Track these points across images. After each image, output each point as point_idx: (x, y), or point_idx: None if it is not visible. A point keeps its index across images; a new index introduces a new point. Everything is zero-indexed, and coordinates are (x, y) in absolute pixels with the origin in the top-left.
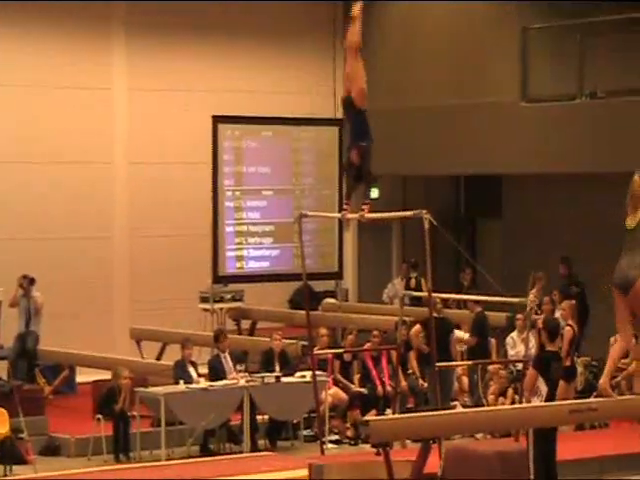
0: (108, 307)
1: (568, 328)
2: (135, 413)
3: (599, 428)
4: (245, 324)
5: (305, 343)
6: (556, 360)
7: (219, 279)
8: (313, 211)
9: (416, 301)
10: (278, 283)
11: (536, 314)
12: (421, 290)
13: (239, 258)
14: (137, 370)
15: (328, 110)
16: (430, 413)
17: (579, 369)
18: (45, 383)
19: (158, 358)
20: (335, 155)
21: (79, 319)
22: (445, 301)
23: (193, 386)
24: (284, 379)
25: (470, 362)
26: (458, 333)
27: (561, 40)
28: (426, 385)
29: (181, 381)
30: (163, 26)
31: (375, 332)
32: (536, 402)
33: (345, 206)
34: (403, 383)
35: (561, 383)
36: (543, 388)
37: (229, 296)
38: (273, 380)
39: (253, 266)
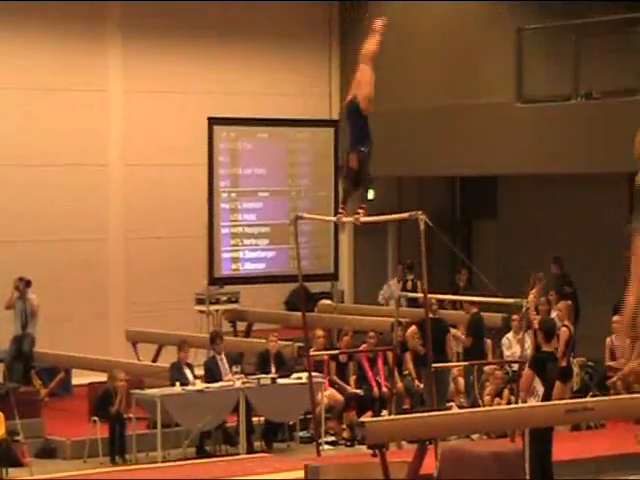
0: (104, 309)
1: (564, 329)
2: (131, 415)
3: (595, 428)
4: (241, 326)
5: (301, 344)
6: (552, 360)
7: (215, 281)
8: (309, 212)
9: (412, 302)
10: (274, 285)
11: (537, 313)
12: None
13: (235, 260)
14: (133, 372)
15: (324, 111)
16: (426, 414)
17: (575, 369)
18: (41, 385)
19: (154, 360)
20: (331, 156)
21: (75, 321)
22: (441, 302)
23: (189, 388)
24: (280, 380)
25: (466, 363)
26: (453, 331)
27: (556, 41)
28: (422, 386)
29: (177, 383)
30: (159, 28)
31: (371, 333)
32: (532, 402)
33: (341, 210)
34: (399, 384)
35: (557, 383)
36: (539, 388)
37: (225, 298)
38: (269, 382)
39: (249, 268)
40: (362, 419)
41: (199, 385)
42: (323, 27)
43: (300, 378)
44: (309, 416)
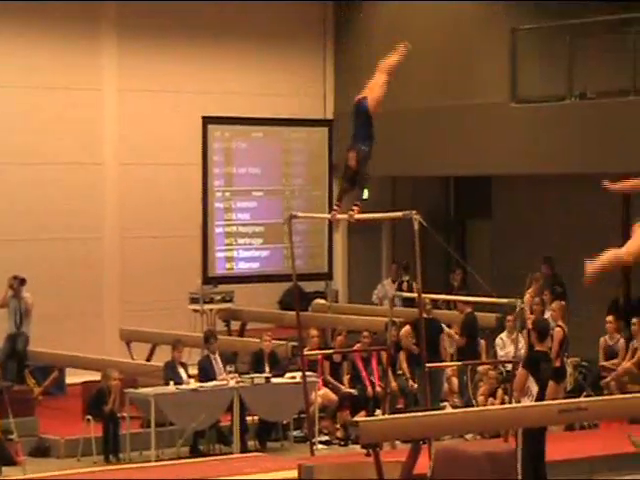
0: (98, 308)
1: (558, 329)
2: (125, 414)
3: (589, 428)
4: (235, 325)
5: (295, 344)
6: (546, 360)
7: (209, 280)
8: (303, 212)
9: (407, 302)
10: (268, 284)
11: (530, 313)
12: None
13: (229, 259)
14: (127, 371)
15: (318, 111)
16: (420, 414)
17: (569, 370)
18: (35, 384)
19: (148, 359)
20: (325, 156)
21: (69, 320)
22: (435, 302)
23: (183, 387)
24: (274, 380)
25: (460, 363)
26: (447, 330)
27: (550, 41)
28: (416, 386)
29: (171, 382)
30: (154, 27)
31: (365, 333)
32: (526, 402)
33: (335, 207)
34: (393, 384)
35: (551, 383)
36: (534, 388)
37: (219, 297)
38: (263, 381)
39: (243, 267)
40: (356, 419)
41: (193, 384)
42: (317, 27)
43: (294, 377)
44: (303, 415)
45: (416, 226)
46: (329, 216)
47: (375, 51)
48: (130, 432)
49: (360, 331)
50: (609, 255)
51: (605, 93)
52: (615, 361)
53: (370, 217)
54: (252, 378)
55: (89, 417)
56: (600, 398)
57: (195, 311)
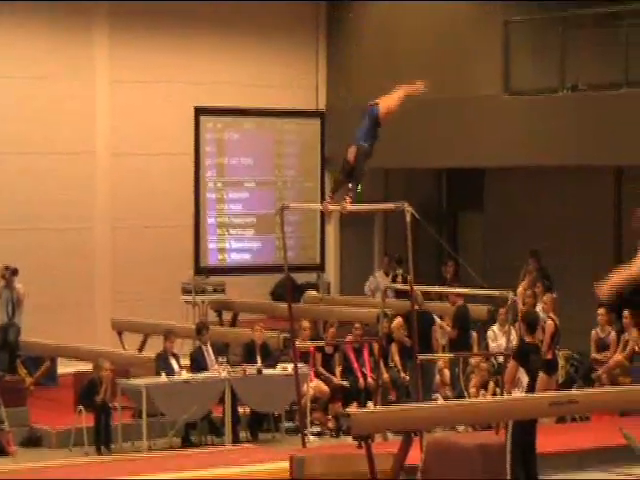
0: (89, 298)
1: (549, 321)
2: (116, 405)
3: (580, 421)
4: (227, 316)
5: (287, 335)
6: (535, 352)
7: (201, 271)
8: (295, 203)
9: (400, 295)
10: (260, 275)
11: (523, 306)
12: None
13: (221, 250)
14: (119, 362)
15: (310, 102)
16: (412, 406)
17: (560, 362)
18: (27, 374)
19: (140, 350)
20: (317, 148)
21: (61, 310)
22: (427, 294)
23: (175, 378)
24: (266, 371)
25: (452, 355)
26: (439, 322)
27: (543, 33)
28: (408, 378)
29: (163, 373)
30: (146, 18)
31: (357, 325)
32: (517, 393)
33: (328, 198)
34: (385, 376)
35: (542, 376)
36: (524, 379)
37: (211, 288)
38: (255, 372)
39: (235, 258)
40: (347, 410)
41: (185, 375)
42: (310, 19)
43: (286, 369)
44: (295, 407)
45: (408, 218)
46: (321, 207)
47: (367, 43)
48: (122, 423)
49: (352, 323)
50: (619, 275)
51: (597, 85)
52: (606, 354)
53: (362, 208)
54: (244, 369)
55: (81, 407)
56: (591, 391)
57: (187, 302)
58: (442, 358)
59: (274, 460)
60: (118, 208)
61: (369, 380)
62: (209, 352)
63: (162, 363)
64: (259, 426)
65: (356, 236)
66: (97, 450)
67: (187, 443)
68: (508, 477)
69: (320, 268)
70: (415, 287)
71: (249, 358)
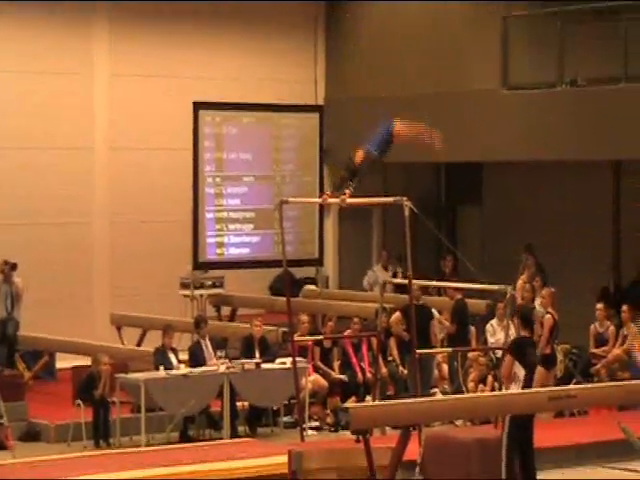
0: (88, 293)
1: (548, 316)
2: (115, 399)
3: (578, 415)
4: (225, 310)
5: (285, 330)
6: (531, 345)
7: (199, 265)
8: (294, 198)
9: (399, 289)
10: (258, 270)
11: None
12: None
13: (219, 244)
14: (117, 356)
15: (309, 97)
16: (410, 400)
17: (559, 357)
18: (25, 369)
19: (138, 344)
20: (316, 142)
21: (59, 305)
22: (426, 288)
23: (173, 372)
24: (264, 366)
25: (450, 349)
26: (438, 316)
27: (541, 28)
28: (406, 372)
29: (161, 367)
30: (145, 12)
31: (355, 319)
32: (514, 388)
33: (328, 191)
34: (383, 370)
35: (541, 370)
36: (520, 373)
37: (209, 282)
38: (253, 367)
39: (233, 252)
40: (346, 405)
41: (183, 370)
42: (310, 13)
43: (284, 363)
44: (293, 401)
45: (407, 212)
46: (320, 200)
47: (365, 37)
48: (120, 417)
49: (350, 317)
50: None
51: (596, 80)
52: (605, 348)
53: (361, 202)
54: (242, 364)
55: (79, 402)
56: (590, 385)
57: (186, 296)
58: (441, 352)
59: (272, 454)
60: (117, 203)
61: (368, 374)
62: (208, 347)
63: (161, 357)
64: (257, 420)
65: (354, 230)
66: (96, 444)
67: (185, 437)
68: (503, 472)
69: (319, 262)
70: (413, 281)
71: (248, 352)
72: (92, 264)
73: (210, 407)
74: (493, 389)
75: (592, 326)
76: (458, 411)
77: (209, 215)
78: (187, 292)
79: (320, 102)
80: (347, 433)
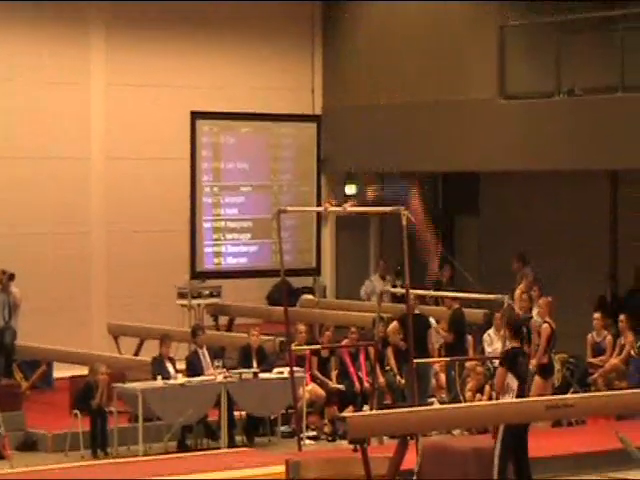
0: (85, 302)
1: (545, 325)
2: (112, 409)
3: (576, 425)
4: (223, 320)
5: (283, 339)
6: (521, 355)
7: (197, 275)
8: (291, 207)
9: (396, 299)
10: (256, 279)
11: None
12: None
13: (217, 254)
14: (114, 366)
15: (306, 107)
16: (408, 409)
17: (556, 366)
18: (22, 378)
19: (136, 354)
20: (313, 152)
21: (56, 314)
22: (423, 298)
23: (171, 382)
24: (262, 375)
25: (447, 359)
26: (435, 325)
27: (538, 37)
28: (404, 382)
29: (159, 377)
30: (142, 22)
31: (353, 329)
32: (508, 399)
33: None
34: (381, 379)
35: (538, 379)
36: (513, 384)
37: (207, 292)
38: (251, 376)
39: (231, 262)
40: (343, 414)
41: (181, 379)
42: (306, 23)
43: (282, 373)
44: (291, 411)
45: (404, 222)
46: (321, 209)
47: (362, 47)
48: (118, 427)
49: (348, 327)
50: None
51: (593, 90)
52: (602, 358)
53: (361, 210)
54: (240, 373)
55: (77, 411)
56: (587, 395)
57: (183, 306)
58: (438, 362)
59: (270, 464)
60: (114, 212)
61: (365, 384)
62: (205, 356)
63: (158, 367)
64: (255, 430)
65: (352, 240)
66: (93, 454)
67: (183, 447)
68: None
69: (316, 272)
70: (410, 291)
71: (245, 362)
72: (89, 274)
73: (208, 417)
74: (490, 398)
75: (589, 335)
76: (455, 420)
77: (206, 225)
78: (184, 302)
79: (317, 111)
80: (344, 442)
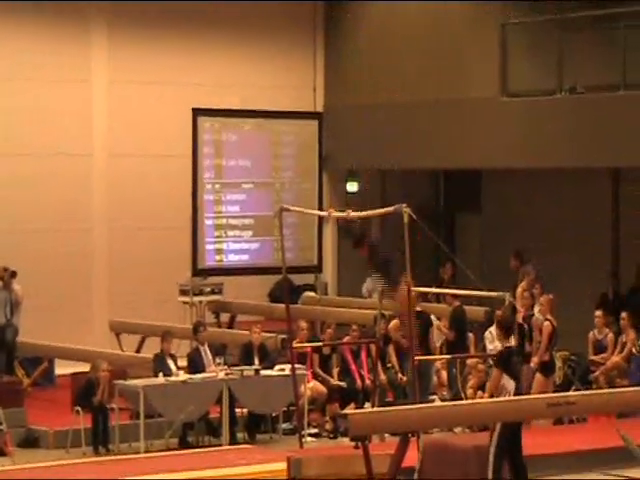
0: (87, 299)
1: (547, 323)
2: (114, 405)
3: (577, 423)
4: (225, 317)
5: (284, 336)
6: (516, 354)
7: (198, 272)
8: (292, 205)
9: None
10: (258, 276)
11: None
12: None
13: (219, 251)
14: (116, 362)
15: (308, 104)
16: (409, 407)
17: (558, 364)
18: (24, 375)
19: (137, 351)
20: (315, 149)
21: (58, 311)
22: (424, 295)
23: (172, 379)
24: (263, 372)
25: (449, 356)
26: (437, 323)
27: (540, 35)
28: (405, 379)
29: (160, 374)
30: (144, 19)
31: (354, 326)
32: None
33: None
34: (382, 377)
35: (539, 377)
36: (509, 385)
37: (208, 289)
38: (252, 373)
39: (233, 259)
40: (345, 411)
41: (182, 376)
42: (308, 20)
43: (283, 370)
44: (292, 408)
45: (406, 219)
46: (325, 213)
47: (364, 46)
48: (119, 423)
49: (349, 324)
50: None
51: (595, 87)
52: (604, 355)
53: (365, 215)
54: (241, 370)
55: (78, 408)
56: (589, 392)
57: (185, 303)
58: (440, 359)
59: (271, 461)
60: (116, 209)
61: (367, 381)
62: (207, 353)
63: (159, 364)
64: (256, 427)
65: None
66: (95, 451)
67: (184, 444)
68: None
69: (318, 269)
70: (412, 288)
71: (247, 359)
72: (91, 271)
73: (209, 413)
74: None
75: (591, 333)
76: (457, 418)
77: (208, 222)
78: (186, 299)
79: (319, 109)
80: (346, 440)
